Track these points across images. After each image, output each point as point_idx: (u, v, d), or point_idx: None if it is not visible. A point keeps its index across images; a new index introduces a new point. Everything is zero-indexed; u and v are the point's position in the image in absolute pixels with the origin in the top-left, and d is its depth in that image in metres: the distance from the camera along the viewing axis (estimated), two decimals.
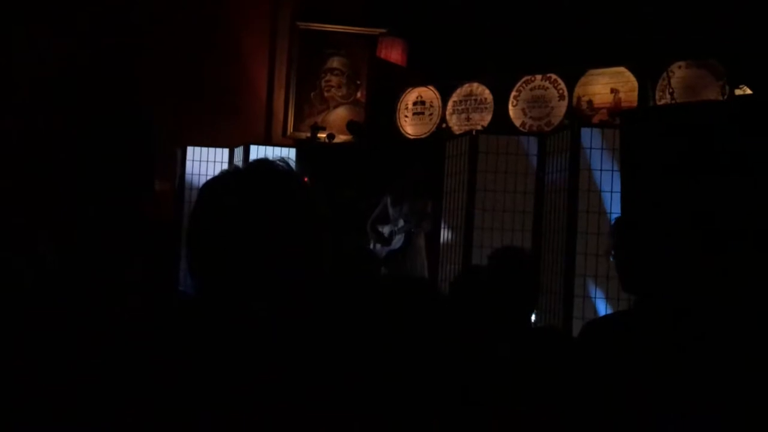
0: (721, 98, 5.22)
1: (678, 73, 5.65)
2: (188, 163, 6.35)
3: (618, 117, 5.14)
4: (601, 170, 4.09)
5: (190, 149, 6.38)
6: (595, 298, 4.03)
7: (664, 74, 5.64)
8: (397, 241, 5.52)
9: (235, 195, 1.02)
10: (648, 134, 3.64)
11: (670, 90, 5.45)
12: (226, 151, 6.34)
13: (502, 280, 2.75)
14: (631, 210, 3.60)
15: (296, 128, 7.81)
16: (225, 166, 6.17)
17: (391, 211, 5.63)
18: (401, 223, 5.41)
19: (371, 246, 5.63)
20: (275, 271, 0.98)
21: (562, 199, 4.18)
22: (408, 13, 7.31)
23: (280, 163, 1.06)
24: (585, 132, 4.17)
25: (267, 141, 7.38)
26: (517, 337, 2.35)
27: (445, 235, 4.95)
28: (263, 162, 1.06)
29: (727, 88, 5.34)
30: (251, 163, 1.07)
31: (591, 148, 4.12)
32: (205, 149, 6.38)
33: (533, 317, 3.04)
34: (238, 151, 6.16)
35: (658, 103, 5.67)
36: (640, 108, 5.71)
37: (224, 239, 0.99)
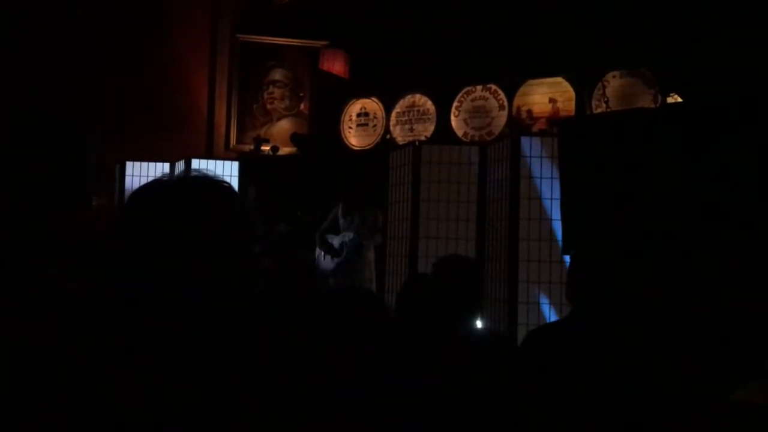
0: (653, 106, 5.39)
1: (613, 82, 5.82)
2: (128, 179, 6.21)
3: (556, 126, 5.27)
4: (540, 178, 4.17)
5: (129, 164, 6.24)
6: (538, 303, 4.10)
7: (600, 84, 5.80)
8: (347, 253, 5.47)
9: (161, 203, 1.00)
10: (585, 141, 3.74)
11: (605, 99, 5.61)
12: (166, 165, 6.21)
13: (446, 287, 2.77)
14: (570, 216, 3.68)
15: (239, 141, 7.73)
16: None
17: (341, 222, 5.59)
18: (351, 234, 5.37)
19: (322, 257, 5.57)
20: (196, 283, 0.97)
21: (504, 207, 4.25)
22: (349, 26, 7.34)
23: (213, 176, 1.04)
24: (524, 141, 4.24)
25: (209, 154, 7.28)
26: (460, 341, 2.37)
27: (389, 245, 4.96)
28: (194, 173, 1.05)
29: (659, 96, 5.52)
30: (182, 173, 1.05)
31: (531, 157, 4.20)
32: (145, 164, 6.25)
33: (479, 324, 3.07)
34: (179, 166, 6.04)
35: (594, 111, 5.83)
36: (577, 116, 5.86)
37: (146, 247, 0.97)
